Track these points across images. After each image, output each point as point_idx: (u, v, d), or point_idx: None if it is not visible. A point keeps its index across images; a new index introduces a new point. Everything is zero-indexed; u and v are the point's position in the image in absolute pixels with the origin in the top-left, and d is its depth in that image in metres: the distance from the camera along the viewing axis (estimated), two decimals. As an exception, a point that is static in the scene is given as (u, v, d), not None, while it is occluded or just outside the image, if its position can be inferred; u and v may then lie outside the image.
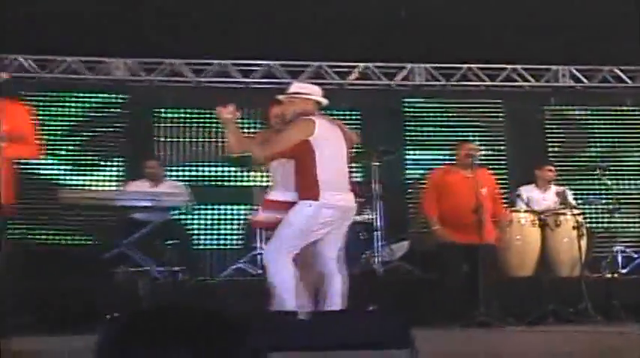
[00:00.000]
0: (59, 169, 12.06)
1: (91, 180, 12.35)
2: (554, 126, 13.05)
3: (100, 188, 12.06)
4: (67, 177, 12.16)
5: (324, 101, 6.80)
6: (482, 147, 9.29)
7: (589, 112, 13.14)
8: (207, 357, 1.49)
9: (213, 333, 1.54)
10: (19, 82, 11.18)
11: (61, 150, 12.12)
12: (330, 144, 6.49)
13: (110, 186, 12.11)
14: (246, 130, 10.39)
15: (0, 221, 5.91)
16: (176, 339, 1.50)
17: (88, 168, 12.50)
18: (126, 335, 1.55)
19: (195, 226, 11.65)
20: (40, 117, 11.15)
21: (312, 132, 6.39)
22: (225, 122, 6.58)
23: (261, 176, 10.28)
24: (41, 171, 11.34)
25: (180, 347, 1.46)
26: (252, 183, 10.72)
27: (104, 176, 12.46)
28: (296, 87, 7.01)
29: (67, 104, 12.63)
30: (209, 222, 12.30)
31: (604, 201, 10.78)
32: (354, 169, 11.66)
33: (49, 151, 10.70)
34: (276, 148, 6.53)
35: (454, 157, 9.23)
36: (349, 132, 6.85)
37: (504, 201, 9.66)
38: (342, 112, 12.68)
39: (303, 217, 6.38)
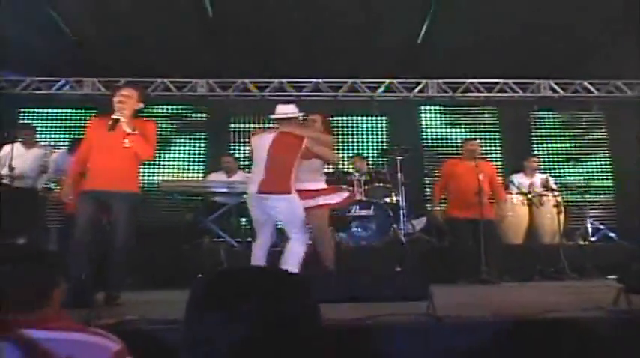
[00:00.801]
0: (158, 164, 12.26)
1: (181, 172, 12.57)
2: (537, 127, 13.03)
3: (188, 178, 12.26)
4: (164, 170, 12.40)
5: (283, 116, 7.17)
6: (482, 144, 9.27)
7: (564, 116, 13.12)
8: (275, 305, 1.55)
9: (279, 287, 1.60)
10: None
11: (158, 150, 12.29)
12: (258, 151, 6.78)
13: (196, 176, 12.29)
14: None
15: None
16: (251, 291, 1.55)
17: (180, 162, 12.74)
18: (212, 288, 1.62)
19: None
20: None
21: (251, 143, 7.17)
22: None
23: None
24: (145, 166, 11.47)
25: (254, 298, 1.52)
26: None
27: (191, 168, 12.66)
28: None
29: (163, 115, 12.84)
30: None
31: (577, 185, 10.79)
32: (383, 162, 11.80)
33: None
34: None
35: (461, 151, 9.35)
36: (303, 136, 6.88)
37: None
38: (373, 118, 12.86)
39: None
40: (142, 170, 11.05)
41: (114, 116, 6.00)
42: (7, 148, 8.90)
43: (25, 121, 11.12)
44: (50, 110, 12.56)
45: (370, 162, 11.38)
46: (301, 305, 1.59)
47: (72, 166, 6.48)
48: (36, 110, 12.43)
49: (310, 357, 1.55)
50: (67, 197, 6.26)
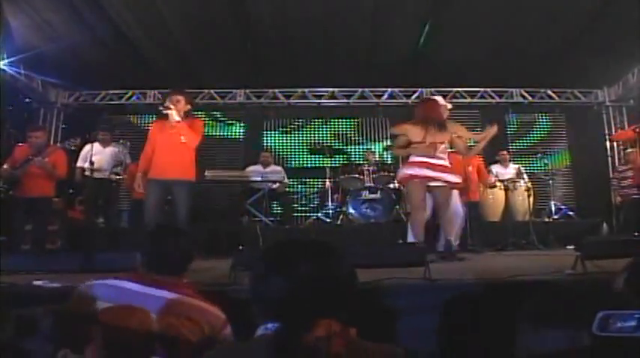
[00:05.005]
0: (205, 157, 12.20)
1: (225, 164, 12.53)
2: (512, 126, 13.02)
3: (231, 169, 12.25)
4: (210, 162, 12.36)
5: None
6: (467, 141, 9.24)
7: (532, 117, 13.13)
8: (322, 268, 1.64)
9: (317, 254, 1.69)
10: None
11: (204, 146, 12.32)
12: None
13: (238, 168, 12.17)
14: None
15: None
16: (304, 258, 1.67)
17: (224, 156, 12.74)
18: (275, 255, 1.71)
19: (290, 192, 11.73)
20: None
21: None
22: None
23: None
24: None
25: (308, 263, 1.62)
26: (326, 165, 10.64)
27: (233, 161, 12.60)
28: None
29: (210, 118, 12.91)
30: (298, 189, 12.44)
31: (543, 174, 10.77)
32: (387, 155, 11.81)
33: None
34: None
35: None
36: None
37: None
38: (379, 119, 12.98)
39: None
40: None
41: (165, 111, 6.13)
42: (87, 147, 9.04)
43: (102, 125, 11.18)
44: (121, 116, 12.69)
45: (377, 156, 11.38)
46: (343, 269, 1.71)
47: (141, 162, 6.50)
48: (110, 116, 12.52)
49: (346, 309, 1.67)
50: (139, 187, 6.36)
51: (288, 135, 13.03)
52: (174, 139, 6.13)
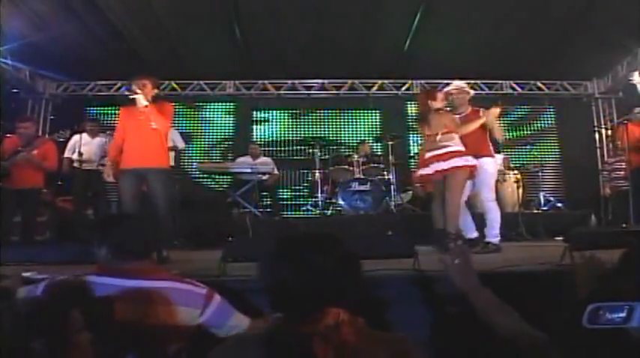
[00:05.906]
0: (194, 149, 12.32)
1: (215, 156, 12.59)
2: (501, 118, 12.98)
3: (221, 160, 12.25)
4: (201, 154, 12.41)
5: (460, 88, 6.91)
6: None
7: (522, 109, 13.12)
8: (328, 260, 1.69)
9: (325, 244, 1.76)
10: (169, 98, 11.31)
11: (194, 137, 12.33)
12: None
13: (227, 159, 12.17)
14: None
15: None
16: (304, 248, 1.75)
17: (213, 148, 12.75)
18: (282, 247, 1.78)
19: (279, 184, 11.69)
20: (181, 119, 11.58)
21: None
22: None
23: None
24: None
25: (307, 252, 1.72)
26: (315, 157, 10.64)
27: (224, 153, 12.66)
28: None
29: (199, 109, 12.89)
30: (287, 181, 12.41)
31: (532, 165, 10.79)
32: (377, 147, 11.80)
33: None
34: None
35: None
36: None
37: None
38: (369, 111, 13.12)
39: None
40: (184, 154, 11.23)
41: (132, 96, 5.90)
42: (76, 137, 9.01)
43: (90, 116, 11.09)
44: (109, 107, 12.58)
45: (370, 148, 11.38)
46: (350, 259, 1.83)
47: (110, 151, 6.34)
48: (98, 107, 12.44)
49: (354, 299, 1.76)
50: (109, 176, 6.14)
51: (278, 126, 12.98)
52: (144, 125, 5.88)
